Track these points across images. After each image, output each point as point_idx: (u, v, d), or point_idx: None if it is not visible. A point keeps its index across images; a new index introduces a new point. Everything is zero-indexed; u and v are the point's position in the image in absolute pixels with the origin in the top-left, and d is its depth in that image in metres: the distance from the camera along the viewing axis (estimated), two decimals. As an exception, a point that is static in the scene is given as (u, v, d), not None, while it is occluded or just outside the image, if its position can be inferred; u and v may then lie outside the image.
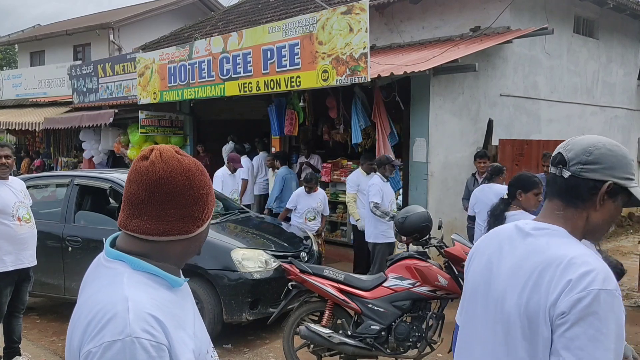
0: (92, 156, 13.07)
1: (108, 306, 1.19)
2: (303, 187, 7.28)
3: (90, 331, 1.18)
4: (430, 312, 4.39)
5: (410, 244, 4.75)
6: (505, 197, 3.96)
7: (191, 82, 9.46)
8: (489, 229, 3.84)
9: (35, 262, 4.77)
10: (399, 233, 4.61)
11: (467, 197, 7.21)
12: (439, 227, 4.74)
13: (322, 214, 7.38)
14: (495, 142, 8.22)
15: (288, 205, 7.32)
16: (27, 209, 4.72)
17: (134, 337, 1.15)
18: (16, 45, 22.83)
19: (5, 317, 4.76)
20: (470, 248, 4.42)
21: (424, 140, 7.64)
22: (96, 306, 1.21)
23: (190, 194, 1.33)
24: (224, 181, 7.94)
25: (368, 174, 7.12)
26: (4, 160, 4.52)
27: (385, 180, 6.57)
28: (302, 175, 8.28)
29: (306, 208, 7.17)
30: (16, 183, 4.76)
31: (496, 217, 3.85)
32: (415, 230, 4.52)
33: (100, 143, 12.74)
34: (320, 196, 7.36)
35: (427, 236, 4.58)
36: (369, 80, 6.85)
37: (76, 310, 1.28)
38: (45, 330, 5.91)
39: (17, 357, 4.79)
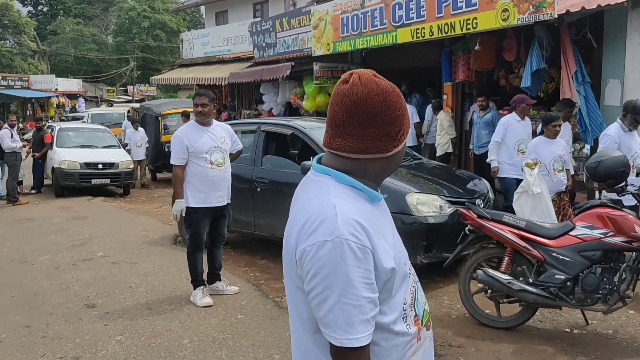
0: (271, 108, 13.95)
1: (318, 212, 1.34)
2: (542, 133, 6.12)
3: (304, 233, 1.34)
4: (625, 265, 4.06)
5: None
6: None
7: (363, 31, 9.54)
8: None
9: (224, 203, 5.22)
10: (590, 179, 4.28)
11: None
12: (638, 174, 4.31)
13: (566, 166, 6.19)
14: None
15: (530, 158, 6.01)
16: (222, 153, 5.15)
17: (342, 238, 1.29)
18: (203, 6, 24.85)
19: (208, 248, 5.41)
20: None
21: (618, 82, 6.89)
22: (308, 212, 1.37)
23: (387, 115, 1.40)
24: (507, 129, 6.87)
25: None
26: (200, 108, 5.03)
27: (627, 129, 5.45)
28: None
29: (552, 157, 6.01)
30: (219, 129, 5.22)
31: None
32: (610, 176, 4.16)
33: (279, 95, 13.51)
34: (563, 143, 6.24)
35: (624, 183, 4.20)
36: (556, 17, 6.30)
37: (291, 216, 1.45)
38: (238, 262, 6.62)
39: (217, 282, 5.44)
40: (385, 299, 1.38)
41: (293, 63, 12.18)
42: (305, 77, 12.22)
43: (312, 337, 1.40)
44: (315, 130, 6.35)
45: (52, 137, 12.85)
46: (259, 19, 16.42)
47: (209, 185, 5.09)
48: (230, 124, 5.93)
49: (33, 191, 12.63)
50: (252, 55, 14.79)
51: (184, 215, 5.09)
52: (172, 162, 5.07)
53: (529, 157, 6.02)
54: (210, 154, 5.06)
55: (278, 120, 7.11)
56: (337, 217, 1.31)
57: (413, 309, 1.47)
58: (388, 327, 1.39)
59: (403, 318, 1.42)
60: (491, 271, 4.36)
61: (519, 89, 8.90)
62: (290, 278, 1.44)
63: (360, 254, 1.29)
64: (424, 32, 8.17)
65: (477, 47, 8.32)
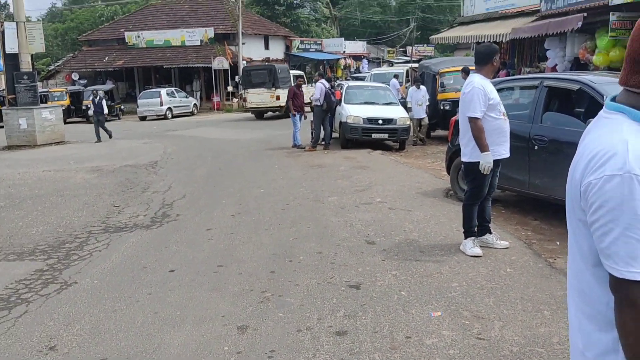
0: (555, 64, 12.99)
1: (608, 147, 1.35)
2: None
3: (592, 166, 1.36)
4: None
5: None
6: None
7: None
8: None
9: (509, 154, 5.31)
10: None
11: None
12: None
13: None
14: None
15: None
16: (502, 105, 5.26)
17: (632, 173, 1.28)
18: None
19: (479, 200, 5.52)
20: None
21: None
22: (597, 147, 1.38)
23: None
24: None
25: None
26: (501, 60, 5.12)
27: None
28: None
29: None
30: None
31: None
32: None
33: (566, 50, 12.49)
34: None
35: None
36: None
37: (578, 151, 1.48)
38: (509, 220, 6.55)
39: (487, 234, 5.51)
40: None
41: (585, 14, 11.08)
42: (599, 30, 11.01)
43: (591, 269, 1.45)
44: (608, 85, 5.78)
45: (341, 94, 14.23)
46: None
47: (502, 136, 5.22)
48: (508, 80, 5.83)
49: (323, 142, 14.28)
50: (537, 8, 13.88)
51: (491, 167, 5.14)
52: (473, 114, 5.09)
53: None
54: (500, 105, 5.19)
55: (564, 75, 6.67)
56: (629, 152, 1.31)
57: None
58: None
59: None
60: None
61: None
62: (572, 211, 1.49)
63: None
64: None
65: None
